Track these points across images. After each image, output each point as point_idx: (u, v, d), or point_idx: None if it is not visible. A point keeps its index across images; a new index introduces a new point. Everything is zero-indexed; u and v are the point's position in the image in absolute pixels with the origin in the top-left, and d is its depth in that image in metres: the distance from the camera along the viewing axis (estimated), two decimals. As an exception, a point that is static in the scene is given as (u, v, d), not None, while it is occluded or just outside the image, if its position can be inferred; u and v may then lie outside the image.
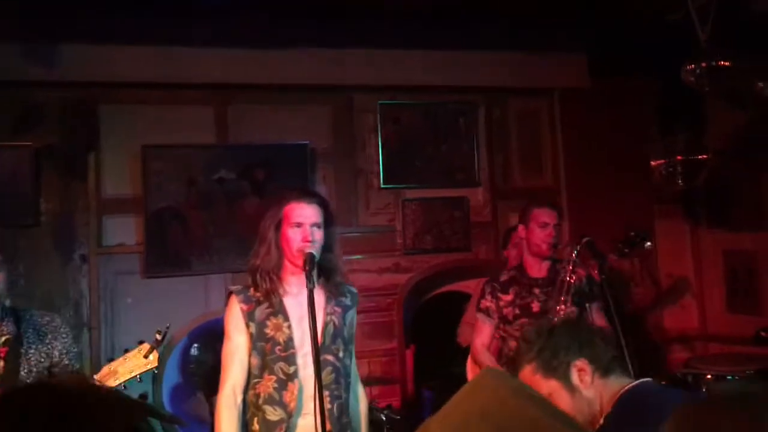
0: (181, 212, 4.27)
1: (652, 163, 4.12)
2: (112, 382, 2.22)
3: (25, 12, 3.84)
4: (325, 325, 2.52)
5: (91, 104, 4.23)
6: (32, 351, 2.46)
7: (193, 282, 4.27)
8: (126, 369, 2.23)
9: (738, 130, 4.55)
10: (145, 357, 2.22)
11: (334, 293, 2.59)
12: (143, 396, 3.34)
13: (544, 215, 3.35)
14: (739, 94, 3.54)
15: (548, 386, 1.83)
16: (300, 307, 2.46)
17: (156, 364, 2.22)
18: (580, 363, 1.83)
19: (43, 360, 2.46)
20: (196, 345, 4.54)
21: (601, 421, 1.78)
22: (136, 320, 4.04)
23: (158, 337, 2.19)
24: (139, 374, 2.23)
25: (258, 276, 2.51)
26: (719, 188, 4.79)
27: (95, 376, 2.24)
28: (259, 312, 2.49)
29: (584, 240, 3.10)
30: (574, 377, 1.83)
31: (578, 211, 4.83)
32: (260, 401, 2.44)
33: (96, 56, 4.13)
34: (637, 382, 1.83)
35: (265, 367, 2.45)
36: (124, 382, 2.23)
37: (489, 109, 4.95)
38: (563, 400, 1.81)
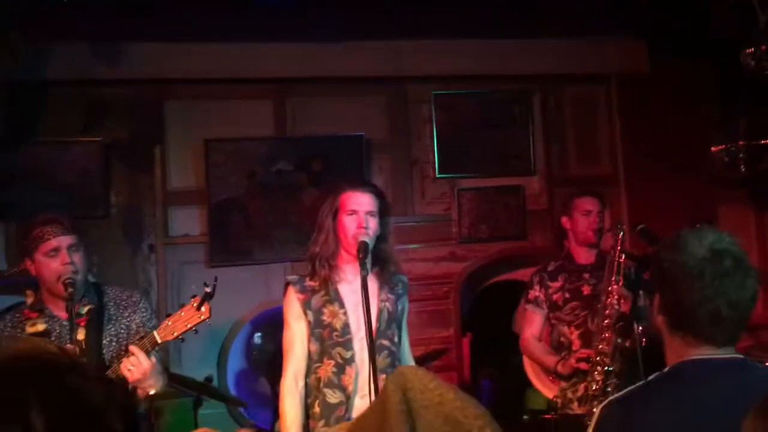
0: (241, 203, 4.41)
1: (713, 148, 4.04)
2: (170, 336, 2.37)
3: (93, 12, 4.01)
4: (380, 311, 2.60)
5: (157, 100, 4.39)
6: (113, 322, 2.64)
7: (254, 271, 4.40)
8: (181, 323, 2.36)
9: (802, 113, 4.40)
10: (198, 309, 2.35)
11: (387, 281, 2.67)
12: (209, 379, 3.50)
13: (587, 203, 3.39)
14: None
15: None
16: (355, 294, 2.55)
17: (208, 316, 2.34)
18: None
19: (122, 331, 2.64)
20: (258, 334, 4.69)
21: None
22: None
23: (207, 290, 2.32)
24: (193, 326, 2.36)
25: (317, 263, 2.60)
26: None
27: (155, 332, 2.38)
28: (315, 300, 2.59)
29: (639, 227, 3.09)
30: None
31: (637, 199, 4.76)
32: (321, 385, 2.55)
33: (161, 54, 4.29)
34: None
35: (324, 352, 2.55)
36: (181, 334, 2.37)
37: (544, 96, 4.92)
38: None
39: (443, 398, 1.32)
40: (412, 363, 2.80)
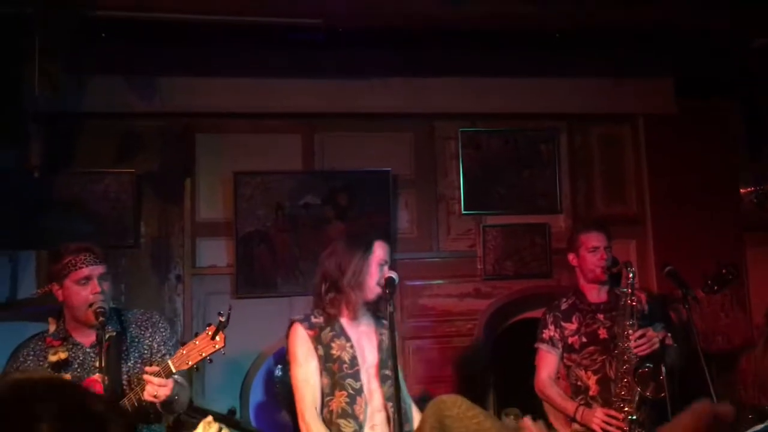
0: (268, 235, 4.45)
1: (742, 190, 4.01)
2: (185, 365, 2.39)
3: (127, 47, 4.13)
4: (379, 343, 2.74)
5: (188, 133, 4.47)
6: (136, 344, 2.68)
7: (279, 303, 4.41)
8: (196, 352, 2.38)
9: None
10: (212, 339, 2.36)
11: (379, 316, 2.82)
12: (232, 411, 3.50)
13: (593, 239, 3.29)
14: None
15: None
16: (355, 328, 2.73)
17: (222, 345, 2.36)
18: None
19: (146, 352, 2.68)
20: (279, 366, 4.69)
21: None
22: (226, 338, 4.21)
23: (221, 318, 2.34)
24: (207, 355, 2.38)
25: (341, 304, 2.72)
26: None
27: (169, 361, 2.40)
28: (324, 335, 2.69)
29: (667, 269, 3.06)
30: None
31: (664, 240, 4.73)
32: (334, 417, 2.61)
33: (193, 88, 4.39)
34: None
35: (335, 384, 2.64)
36: (196, 363, 2.38)
37: (571, 135, 4.93)
38: None
39: (480, 426, 1.35)
40: (407, 393, 2.88)
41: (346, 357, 2.65)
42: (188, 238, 4.40)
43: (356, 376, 2.65)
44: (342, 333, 2.70)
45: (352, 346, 2.68)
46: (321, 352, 2.67)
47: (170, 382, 2.41)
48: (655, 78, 4.85)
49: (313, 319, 2.72)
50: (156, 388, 2.39)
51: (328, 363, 2.66)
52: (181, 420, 3.39)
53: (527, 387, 4.48)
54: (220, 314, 2.37)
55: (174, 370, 2.41)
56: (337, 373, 2.63)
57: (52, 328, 2.67)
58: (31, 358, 2.63)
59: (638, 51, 4.62)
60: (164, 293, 4.34)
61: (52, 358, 2.59)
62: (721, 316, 4.78)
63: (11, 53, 3.61)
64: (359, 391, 2.63)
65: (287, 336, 2.75)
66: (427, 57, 4.55)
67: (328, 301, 2.72)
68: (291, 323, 2.76)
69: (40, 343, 2.66)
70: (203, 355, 2.39)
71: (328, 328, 2.70)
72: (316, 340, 2.67)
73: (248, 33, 4.07)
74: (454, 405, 1.34)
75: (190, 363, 2.40)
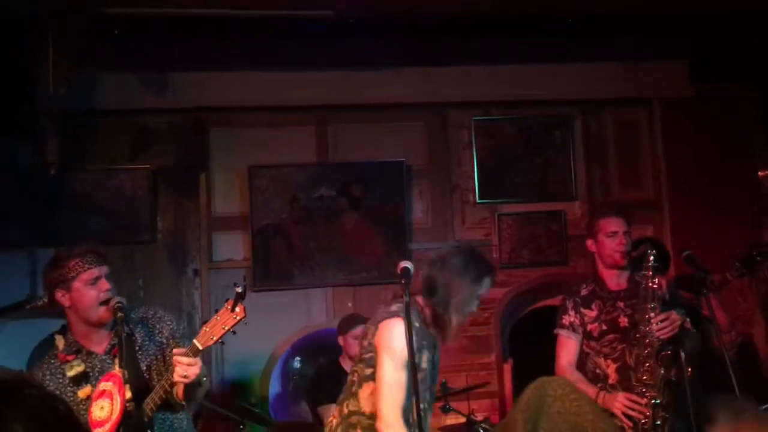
0: (284, 228, 4.46)
1: (760, 173, 3.96)
2: (210, 341, 2.39)
3: (139, 43, 4.15)
4: (432, 357, 2.64)
5: (202, 128, 4.49)
6: (147, 343, 2.68)
7: (296, 295, 4.44)
8: (218, 327, 2.38)
9: None
10: (233, 311, 2.36)
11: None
12: (251, 403, 3.53)
13: (611, 224, 3.25)
14: None
15: None
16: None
17: (243, 315, 2.34)
18: None
19: (161, 346, 2.68)
20: (298, 358, 4.71)
21: None
22: (243, 331, 4.23)
23: (238, 290, 2.34)
24: (230, 328, 2.37)
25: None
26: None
27: (195, 340, 2.41)
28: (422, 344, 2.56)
29: (684, 254, 3.03)
30: None
31: (681, 224, 4.69)
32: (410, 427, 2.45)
33: (206, 83, 4.41)
34: None
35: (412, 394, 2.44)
36: (220, 337, 2.38)
37: (585, 121, 4.90)
38: None
39: (579, 410, 1.39)
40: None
41: (428, 370, 2.58)
42: (204, 232, 4.43)
43: (430, 390, 2.63)
44: (430, 346, 2.59)
45: (431, 360, 2.61)
46: (417, 360, 2.45)
47: (198, 361, 2.41)
48: (670, 61, 4.80)
49: (417, 324, 2.48)
50: (186, 368, 2.39)
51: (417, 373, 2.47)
52: (201, 410, 3.42)
53: (547, 374, 4.48)
54: (236, 285, 2.36)
55: (201, 348, 2.40)
56: (420, 385, 2.47)
57: (60, 345, 2.66)
58: (48, 377, 2.61)
59: (652, 35, 4.57)
60: (182, 287, 4.37)
61: (71, 374, 2.58)
62: (739, 301, 4.74)
63: (25, 51, 3.63)
64: (429, 404, 2.62)
65: (381, 327, 2.49)
66: (438, 46, 4.52)
67: (434, 314, 2.56)
68: (392, 315, 2.48)
69: (53, 361, 2.61)
70: (226, 328, 2.38)
71: (422, 336, 2.54)
72: (419, 348, 2.48)
73: (259, 26, 4.07)
74: (559, 386, 1.40)
75: (214, 338, 2.39)
